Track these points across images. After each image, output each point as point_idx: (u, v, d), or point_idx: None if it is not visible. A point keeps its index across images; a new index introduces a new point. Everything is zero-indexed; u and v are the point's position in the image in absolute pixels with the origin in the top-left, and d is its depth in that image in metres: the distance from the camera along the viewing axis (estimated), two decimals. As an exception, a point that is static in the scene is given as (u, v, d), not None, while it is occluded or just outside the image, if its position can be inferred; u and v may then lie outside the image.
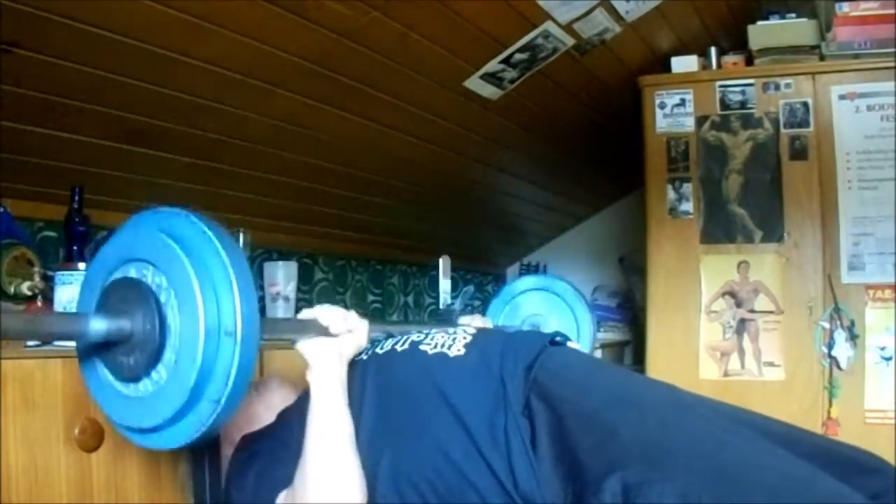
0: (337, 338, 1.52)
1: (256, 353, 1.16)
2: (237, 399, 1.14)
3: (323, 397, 1.47)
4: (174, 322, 1.14)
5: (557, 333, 1.69)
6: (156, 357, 1.15)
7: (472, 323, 2.03)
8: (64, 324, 1.17)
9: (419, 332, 1.67)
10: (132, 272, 1.20)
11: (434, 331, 1.66)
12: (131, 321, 1.16)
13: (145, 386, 1.17)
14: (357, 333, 1.57)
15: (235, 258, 1.14)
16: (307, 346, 1.50)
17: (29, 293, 2.00)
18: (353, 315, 1.58)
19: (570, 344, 1.68)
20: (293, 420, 1.55)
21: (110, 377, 1.22)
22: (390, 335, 1.71)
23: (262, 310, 2.82)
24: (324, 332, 1.51)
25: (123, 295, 1.18)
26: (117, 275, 1.22)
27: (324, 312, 1.53)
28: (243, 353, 1.11)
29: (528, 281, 2.39)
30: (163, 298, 1.15)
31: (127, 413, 1.22)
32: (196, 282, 1.12)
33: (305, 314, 1.54)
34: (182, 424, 1.15)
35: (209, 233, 1.15)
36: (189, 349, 1.12)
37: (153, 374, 1.16)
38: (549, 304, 2.34)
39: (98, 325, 1.15)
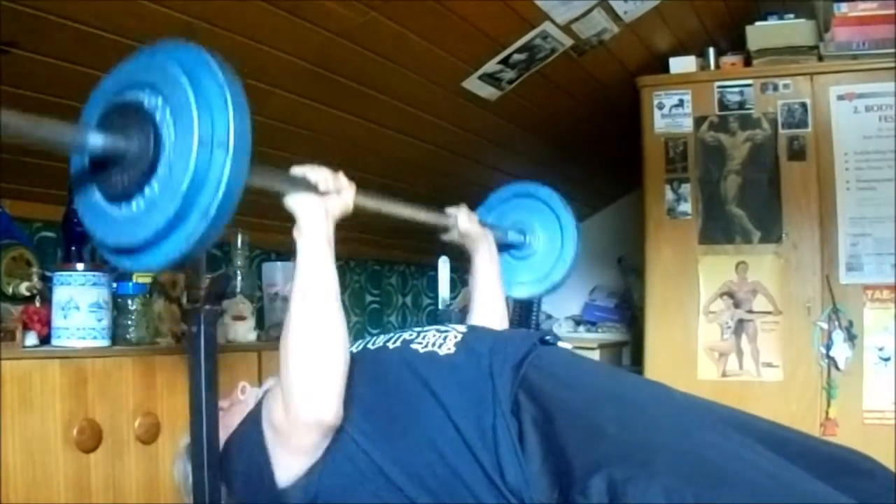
0: (325, 196, 1.54)
1: (247, 166, 1.19)
2: (227, 211, 1.17)
3: (309, 252, 1.51)
4: (168, 136, 1.18)
5: (547, 332, 1.70)
6: (150, 171, 1.18)
7: (458, 214, 2.04)
8: (64, 131, 1.20)
9: (411, 330, 1.69)
10: (131, 96, 1.23)
11: (426, 329, 1.67)
12: (127, 140, 1.19)
13: (138, 204, 1.20)
14: (344, 194, 1.59)
15: (231, 80, 1.19)
16: (296, 201, 1.52)
17: (27, 294, 2.00)
18: (341, 176, 1.60)
19: (559, 344, 1.69)
20: None
21: (104, 201, 1.25)
22: (381, 332, 1.72)
23: (261, 310, 2.82)
24: (312, 189, 1.53)
25: (122, 116, 1.22)
26: (118, 99, 1.26)
27: (314, 171, 1.55)
28: (234, 165, 1.15)
29: (514, 188, 2.38)
30: (158, 117, 1.19)
31: (118, 233, 1.24)
32: (192, 97, 1.16)
33: (297, 171, 1.56)
34: (172, 238, 1.18)
35: (209, 58, 1.20)
36: (182, 160, 1.15)
37: (146, 190, 1.19)
38: (535, 210, 2.33)
39: (96, 139, 1.19)
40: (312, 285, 1.49)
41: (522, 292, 2.33)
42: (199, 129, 1.15)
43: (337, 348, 1.45)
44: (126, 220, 1.22)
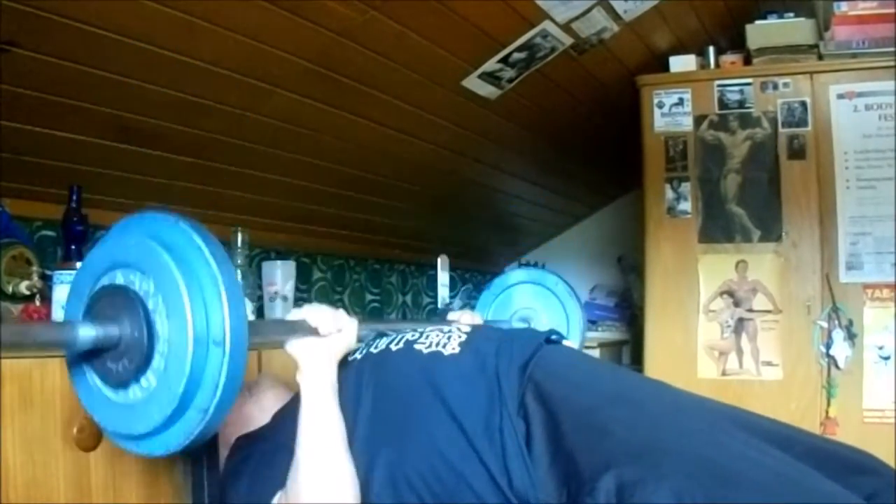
0: (326, 338, 1.52)
1: (245, 363, 1.15)
2: (225, 408, 1.14)
3: (313, 398, 1.47)
4: (162, 329, 1.13)
5: (553, 332, 1.69)
6: (144, 363, 1.14)
7: (461, 319, 2.02)
8: (52, 333, 1.17)
9: (414, 330, 1.67)
10: (119, 278, 1.19)
11: (429, 329, 1.66)
12: (119, 327, 1.15)
13: (135, 393, 1.17)
14: (346, 333, 1.56)
15: (224, 266, 1.14)
16: (296, 347, 1.49)
17: (27, 292, 2.00)
18: (341, 314, 1.57)
19: (565, 342, 1.68)
20: (286, 421, 1.54)
21: (100, 384, 1.22)
22: (383, 334, 1.71)
23: (261, 309, 2.82)
24: (313, 332, 1.50)
25: (111, 301, 1.18)
26: (105, 280, 1.21)
27: (313, 312, 1.52)
28: (232, 364, 1.11)
29: (520, 274, 2.36)
30: (150, 305, 1.14)
31: (117, 420, 1.21)
32: (184, 289, 1.11)
33: (294, 315, 1.53)
34: (171, 432, 1.15)
35: (198, 239, 1.15)
36: (178, 357, 1.11)
37: (142, 380, 1.16)
38: (540, 298, 2.31)
39: (86, 333, 1.15)
40: (318, 432, 1.45)
41: None
42: (193, 325, 1.11)
43: (345, 493, 1.42)
44: (124, 408, 1.19)
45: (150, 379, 1.15)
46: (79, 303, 1.24)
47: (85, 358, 1.22)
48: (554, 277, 2.31)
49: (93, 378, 1.22)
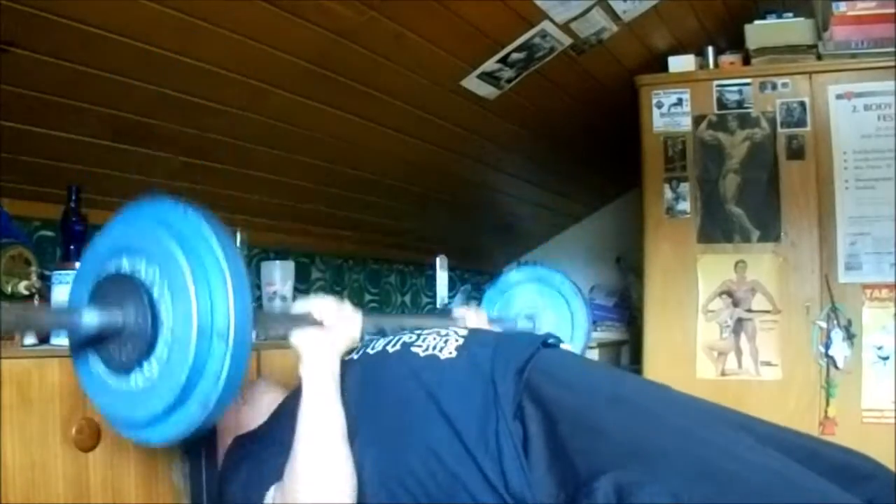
0: (330, 330, 1.52)
1: (248, 356, 1.15)
2: (227, 401, 1.14)
3: (315, 390, 1.46)
4: (167, 317, 1.13)
5: (550, 335, 1.69)
6: (147, 351, 1.14)
7: (466, 314, 2.01)
8: (57, 317, 1.17)
9: (411, 332, 1.67)
10: (125, 264, 1.18)
11: (426, 332, 1.66)
12: (123, 314, 1.15)
13: (136, 380, 1.17)
14: (351, 325, 1.56)
15: (231, 257, 1.13)
16: (300, 338, 1.49)
17: (26, 292, 2.00)
18: (347, 306, 1.57)
19: (562, 346, 1.68)
20: (284, 418, 1.54)
21: (102, 370, 1.22)
22: (383, 334, 1.71)
23: (260, 309, 2.82)
24: (318, 324, 1.51)
25: (116, 287, 1.18)
26: (110, 267, 1.21)
27: (318, 304, 1.53)
28: (234, 357, 1.11)
29: (524, 272, 2.36)
30: (156, 293, 1.14)
31: (118, 406, 1.21)
32: (190, 278, 1.11)
33: (299, 306, 1.54)
34: (171, 421, 1.15)
35: (206, 229, 1.14)
36: (181, 347, 1.11)
37: (145, 366, 1.15)
38: (545, 296, 2.31)
39: (90, 318, 1.15)
40: (318, 423, 1.45)
41: None
42: (198, 316, 1.10)
43: (342, 485, 1.42)
44: (126, 395, 1.19)
45: (152, 367, 1.15)
46: (84, 288, 1.24)
47: (88, 343, 1.22)
48: (559, 276, 2.31)
49: (96, 364, 1.23)
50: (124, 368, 1.18)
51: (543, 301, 2.30)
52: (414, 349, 1.60)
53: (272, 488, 1.46)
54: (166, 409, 1.13)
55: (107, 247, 1.23)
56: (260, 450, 1.56)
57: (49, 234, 2.34)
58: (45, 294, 1.98)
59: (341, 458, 1.44)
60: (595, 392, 1.48)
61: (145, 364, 1.15)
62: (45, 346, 1.85)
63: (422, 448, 1.44)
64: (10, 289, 1.99)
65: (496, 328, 2.10)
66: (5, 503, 1.54)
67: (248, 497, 1.50)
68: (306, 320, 1.50)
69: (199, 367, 1.10)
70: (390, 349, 1.62)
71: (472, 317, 2.01)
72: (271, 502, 1.46)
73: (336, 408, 1.47)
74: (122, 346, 1.17)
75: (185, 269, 1.11)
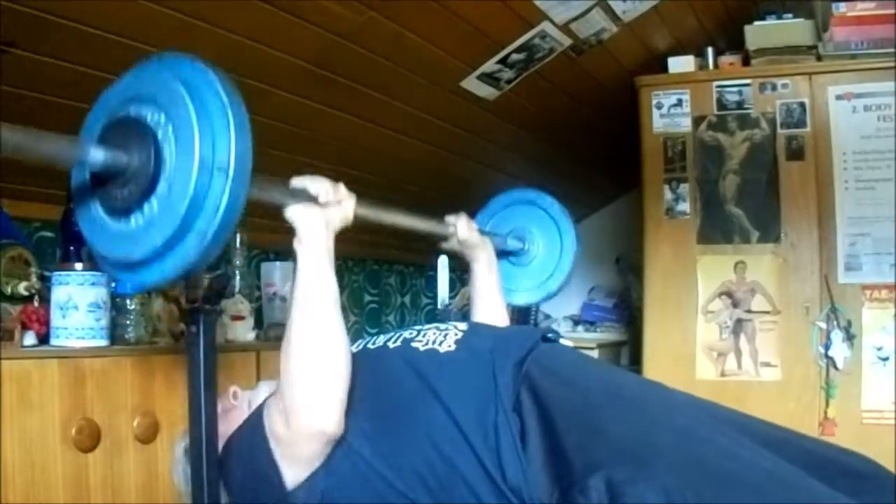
0: (325, 207, 1.54)
1: (246, 191, 1.19)
2: (223, 234, 1.18)
3: (309, 262, 1.50)
4: (170, 156, 1.18)
5: (550, 330, 1.70)
6: (149, 189, 1.18)
7: (457, 222, 2.03)
8: (65, 147, 1.19)
9: (411, 329, 1.68)
10: (133, 110, 1.23)
11: (426, 327, 1.67)
12: (128, 155, 1.19)
13: (137, 220, 1.21)
14: (344, 205, 1.59)
15: (234, 101, 1.19)
16: (295, 212, 1.51)
17: (25, 293, 2.00)
18: (341, 187, 1.59)
19: (561, 341, 1.68)
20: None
21: (103, 214, 1.26)
22: (381, 332, 1.72)
23: (259, 310, 2.82)
24: (313, 199, 1.53)
25: (123, 131, 1.22)
26: (120, 113, 1.25)
27: (314, 182, 1.55)
28: (233, 189, 1.16)
29: (515, 194, 2.38)
30: (160, 134, 1.19)
31: (117, 247, 1.25)
32: (195, 118, 1.16)
33: (296, 182, 1.55)
34: (169, 258, 1.19)
35: (211, 75, 1.20)
36: (182, 181, 1.15)
37: (145, 207, 1.19)
38: (535, 217, 2.32)
39: (97, 154, 1.19)
40: (313, 296, 1.48)
41: (519, 299, 2.32)
42: (199, 151, 1.15)
43: (338, 358, 1.45)
44: (124, 236, 1.23)
45: (153, 205, 1.19)
46: (93, 131, 1.28)
47: (91, 189, 1.26)
48: (549, 198, 2.33)
49: (97, 209, 1.26)
50: (126, 209, 1.22)
51: (532, 224, 2.32)
52: (414, 344, 1.61)
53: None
54: (165, 242, 1.17)
55: (117, 96, 1.28)
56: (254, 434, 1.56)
57: (49, 234, 2.34)
58: (44, 295, 1.98)
59: (336, 324, 1.47)
60: (592, 389, 1.49)
61: (146, 205, 1.19)
62: (45, 347, 1.85)
63: (422, 441, 1.45)
64: (9, 290, 1.99)
65: (487, 239, 2.11)
66: (5, 503, 1.54)
67: (249, 458, 1.50)
68: (303, 195, 1.52)
69: (199, 200, 1.15)
70: (391, 345, 1.63)
71: (462, 224, 2.03)
72: (269, 410, 1.48)
73: (330, 278, 1.50)
74: (124, 187, 1.21)
75: (190, 110, 1.17)
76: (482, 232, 2.12)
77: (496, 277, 2.11)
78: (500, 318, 2.08)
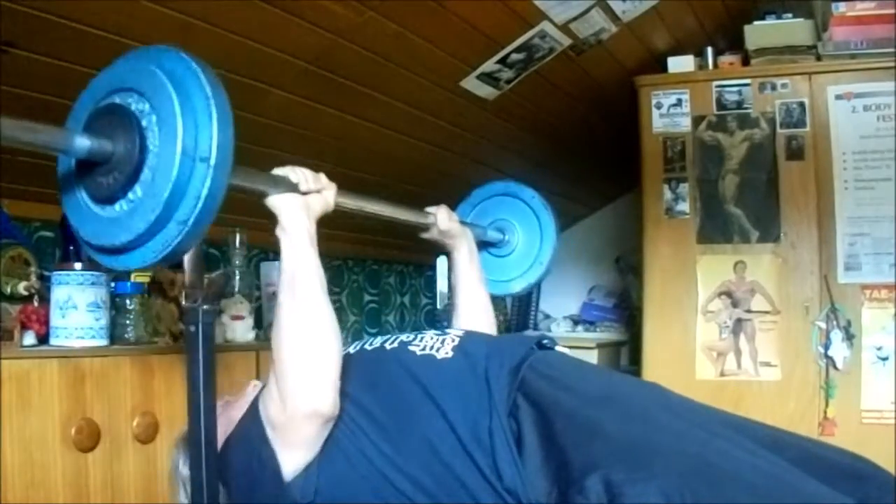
0: (306, 195, 1.56)
1: (227, 181, 1.22)
2: (204, 223, 1.21)
3: (292, 246, 1.51)
4: (153, 144, 1.21)
5: (545, 336, 1.71)
6: (134, 177, 1.21)
7: (438, 212, 2.05)
8: (53, 136, 1.23)
9: (409, 332, 1.70)
10: (119, 99, 1.27)
11: (423, 331, 1.69)
12: (113, 143, 1.22)
13: (121, 206, 1.24)
14: (325, 193, 1.61)
15: (217, 92, 1.22)
16: (277, 201, 1.54)
17: (25, 293, 2.00)
18: (322, 176, 1.61)
19: (557, 348, 1.70)
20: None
21: (88, 200, 1.29)
22: (378, 333, 1.73)
23: (259, 310, 2.82)
24: (294, 189, 1.55)
25: (108, 120, 1.25)
26: (105, 102, 1.29)
27: (294, 171, 1.57)
28: (214, 179, 1.19)
29: (497, 187, 2.41)
30: (144, 123, 1.22)
31: (101, 232, 1.28)
32: (178, 108, 1.19)
33: (277, 171, 1.57)
34: (150, 244, 1.23)
35: (196, 66, 1.23)
36: (165, 170, 1.19)
37: (130, 194, 1.23)
38: (516, 209, 2.37)
39: (82, 143, 1.22)
40: (299, 279, 1.49)
41: (497, 290, 2.34)
42: (182, 141, 1.18)
43: (329, 338, 1.46)
44: (109, 221, 1.26)
45: (136, 192, 1.22)
46: (78, 121, 1.32)
47: (77, 176, 1.29)
48: (530, 191, 2.36)
49: (82, 196, 1.29)
50: (110, 196, 1.25)
51: (514, 216, 2.36)
52: (411, 348, 1.63)
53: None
54: (148, 228, 1.20)
55: (103, 86, 1.32)
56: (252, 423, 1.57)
57: (49, 234, 2.34)
58: (44, 295, 1.98)
59: (324, 308, 1.49)
60: (589, 391, 1.51)
61: (130, 192, 1.22)
62: (44, 347, 1.85)
63: (418, 443, 1.46)
64: (9, 289, 2.00)
65: (467, 229, 2.14)
66: (5, 503, 1.54)
67: (246, 451, 1.51)
68: (284, 183, 1.55)
69: (181, 188, 1.18)
70: (388, 346, 1.65)
71: (443, 214, 2.05)
72: (263, 399, 1.50)
73: (314, 262, 1.52)
74: (109, 174, 1.23)
75: (173, 100, 1.20)
76: (463, 222, 2.14)
77: (477, 267, 2.13)
78: (483, 307, 2.10)
